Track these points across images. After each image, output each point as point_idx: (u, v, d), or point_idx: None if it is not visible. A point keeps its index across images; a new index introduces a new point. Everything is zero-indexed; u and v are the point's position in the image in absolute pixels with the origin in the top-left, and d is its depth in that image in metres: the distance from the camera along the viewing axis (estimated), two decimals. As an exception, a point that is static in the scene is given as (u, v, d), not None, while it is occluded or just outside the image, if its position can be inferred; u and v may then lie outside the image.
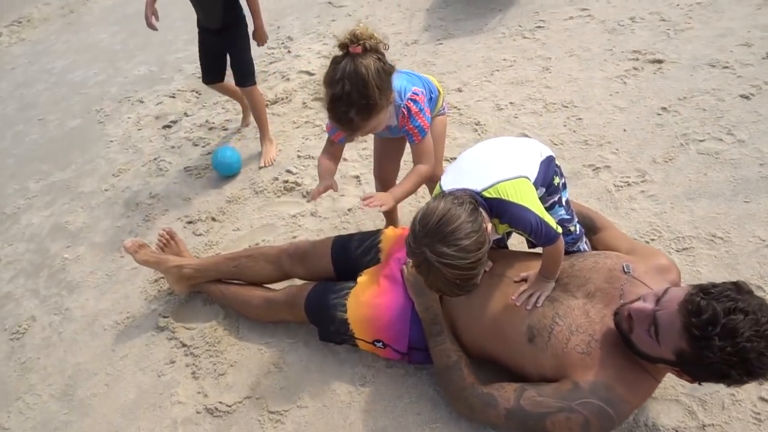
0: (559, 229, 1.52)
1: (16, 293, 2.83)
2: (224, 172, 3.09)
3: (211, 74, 3.16)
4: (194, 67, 4.60)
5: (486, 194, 1.48)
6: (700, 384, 1.36)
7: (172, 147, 3.61)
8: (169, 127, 3.86)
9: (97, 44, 5.99)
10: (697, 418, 1.54)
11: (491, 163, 1.59)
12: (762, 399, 1.54)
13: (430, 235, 1.37)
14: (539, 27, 3.57)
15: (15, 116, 4.91)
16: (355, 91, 1.56)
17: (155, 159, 3.53)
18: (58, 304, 2.67)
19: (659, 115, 2.60)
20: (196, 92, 4.25)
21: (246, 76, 3.02)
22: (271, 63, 4.22)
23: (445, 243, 1.36)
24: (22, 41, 7.04)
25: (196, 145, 3.54)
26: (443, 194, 1.47)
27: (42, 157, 4.05)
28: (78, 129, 4.30)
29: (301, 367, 2.00)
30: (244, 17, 2.95)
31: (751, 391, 1.56)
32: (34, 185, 3.73)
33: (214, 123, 3.70)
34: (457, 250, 1.35)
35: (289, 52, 4.31)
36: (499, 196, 1.48)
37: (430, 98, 1.93)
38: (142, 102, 4.35)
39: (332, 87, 1.58)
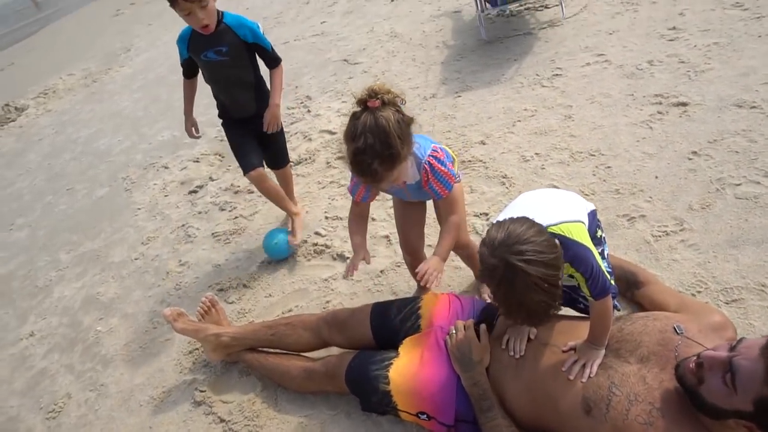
0: (613, 282, 1.48)
1: (51, 369, 2.82)
2: (275, 256, 2.92)
3: (255, 159, 2.79)
4: (216, 130, 4.70)
5: (550, 230, 1.46)
6: None
7: (199, 212, 3.64)
8: (195, 192, 3.92)
9: (120, 112, 6.19)
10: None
11: (550, 206, 1.60)
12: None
13: (506, 243, 1.36)
14: (557, 75, 3.60)
15: (44, 187, 5.04)
16: (378, 142, 1.59)
17: (183, 225, 3.56)
18: (93, 380, 2.65)
19: (690, 159, 2.57)
20: (219, 155, 4.33)
21: (285, 154, 3.02)
22: (292, 123, 4.30)
23: (525, 243, 1.35)
24: (48, 112, 7.30)
25: (222, 209, 3.58)
26: (508, 219, 1.46)
27: (72, 228, 4.12)
28: (105, 198, 4.38)
29: (344, 441, 1.94)
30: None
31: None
32: (64, 256, 3.77)
33: (239, 186, 3.74)
34: (538, 245, 1.35)
35: (308, 111, 4.39)
36: (563, 233, 1.45)
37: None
38: (167, 168, 4.43)
39: (354, 141, 1.61)
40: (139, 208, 4.00)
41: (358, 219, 2.01)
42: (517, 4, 4.55)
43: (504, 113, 3.41)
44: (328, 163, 3.63)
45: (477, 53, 4.26)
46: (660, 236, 2.26)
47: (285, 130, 4.21)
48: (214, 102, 2.94)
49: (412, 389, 1.76)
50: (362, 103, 1.64)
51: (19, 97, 8.11)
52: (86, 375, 2.70)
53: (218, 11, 2.50)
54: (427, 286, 1.76)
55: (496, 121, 3.37)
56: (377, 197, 2.12)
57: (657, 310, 1.74)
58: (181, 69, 2.73)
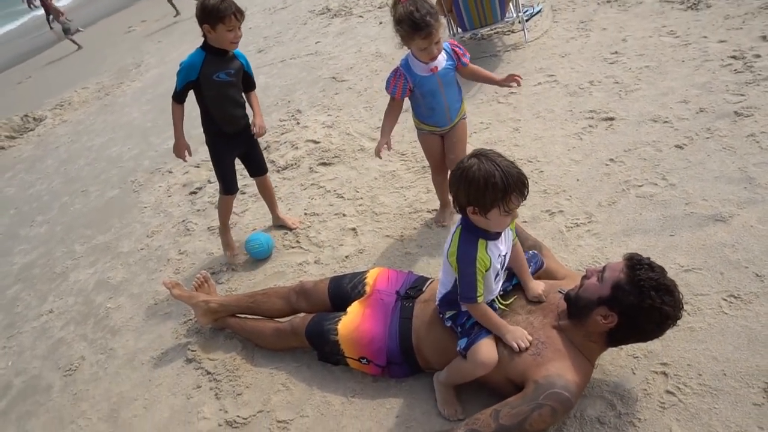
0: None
1: (68, 338, 3.32)
2: (257, 256, 3.30)
3: (236, 182, 3.27)
4: (217, 139, 5.23)
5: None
6: (621, 332, 1.80)
7: (198, 210, 4.15)
8: (194, 193, 4.43)
9: (130, 122, 6.75)
10: (615, 408, 1.90)
11: None
12: (668, 392, 1.90)
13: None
14: (512, 93, 4.11)
15: (61, 189, 5.58)
16: (424, 3, 2.40)
17: (183, 221, 4.07)
18: (103, 346, 3.14)
19: (607, 165, 3.05)
20: (219, 161, 4.84)
21: (264, 163, 3.39)
22: (282, 134, 4.82)
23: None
24: (64, 122, 7.90)
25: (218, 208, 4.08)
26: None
27: (86, 224, 4.64)
28: (116, 198, 4.91)
29: (305, 385, 2.41)
30: None
31: (659, 385, 1.93)
32: (79, 247, 4.29)
33: (233, 187, 4.25)
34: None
35: (297, 123, 4.91)
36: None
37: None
38: (171, 172, 4.96)
39: (406, 7, 2.40)
40: (145, 207, 4.51)
41: (393, 112, 2.75)
42: (487, 29, 5.09)
43: (463, 126, 3.91)
44: (310, 168, 4.13)
45: (448, 73, 4.77)
46: (572, 227, 2.74)
47: (276, 140, 4.75)
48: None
49: (355, 338, 2.24)
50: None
51: (36, 108, 8.73)
52: (97, 342, 3.19)
53: None
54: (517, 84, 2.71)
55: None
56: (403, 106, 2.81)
57: (550, 277, 2.21)
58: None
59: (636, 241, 2.53)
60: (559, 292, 2.02)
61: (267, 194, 3.49)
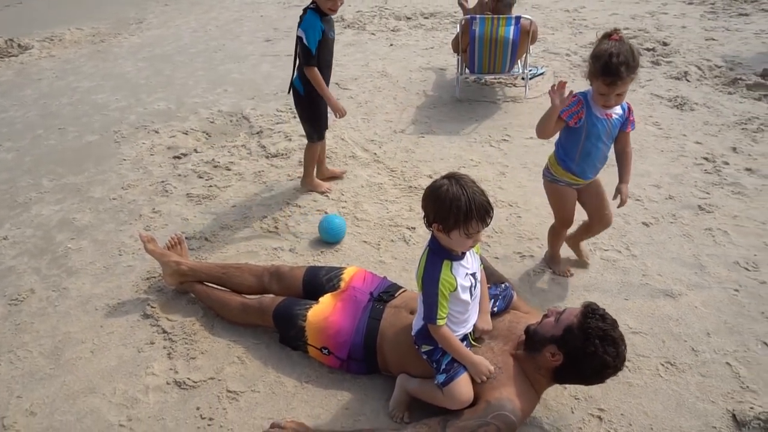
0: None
1: (19, 268, 3.24)
2: (330, 237, 3.26)
3: (325, 132, 3.67)
4: (209, 112, 5.26)
5: None
6: (565, 371, 1.96)
7: (179, 175, 4.15)
8: (178, 158, 4.43)
9: (122, 75, 6.65)
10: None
11: None
12: (592, 415, 2.07)
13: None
14: (505, 140, 4.34)
15: (36, 122, 5.43)
16: (628, 53, 2.27)
17: (162, 182, 4.06)
18: (57, 284, 3.08)
19: (579, 225, 3.27)
20: (207, 134, 4.86)
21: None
22: (277, 123, 4.89)
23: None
24: (51, 57, 7.68)
25: (200, 177, 4.10)
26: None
27: (58, 161, 4.54)
28: (95, 144, 4.83)
29: (260, 362, 2.46)
30: None
31: (593, 427, 2.09)
32: (47, 183, 4.19)
33: (219, 162, 4.28)
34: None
35: (294, 116, 4.98)
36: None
37: None
38: (157, 132, 4.93)
39: (605, 50, 2.28)
40: (124, 159, 4.47)
41: (551, 123, 2.48)
42: (492, 77, 5.36)
43: (454, 158, 4.10)
44: (300, 161, 4.20)
45: (448, 107, 5.00)
46: (539, 273, 2.93)
47: (270, 127, 4.82)
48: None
49: (322, 327, 2.32)
50: (608, 35, 2.34)
51: (24, 36, 8.44)
52: (51, 279, 3.13)
53: None
54: (624, 205, 2.63)
55: (447, 162, 4.05)
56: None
57: (518, 310, 2.37)
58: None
59: (594, 297, 2.73)
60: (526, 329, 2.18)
61: (321, 150, 3.76)
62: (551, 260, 2.96)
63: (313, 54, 3.19)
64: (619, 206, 2.66)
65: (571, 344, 1.91)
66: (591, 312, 1.94)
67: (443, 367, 1.99)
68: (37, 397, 2.37)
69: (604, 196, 2.75)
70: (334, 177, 3.91)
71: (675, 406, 2.16)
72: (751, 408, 2.12)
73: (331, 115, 3.53)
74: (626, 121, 2.54)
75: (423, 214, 1.90)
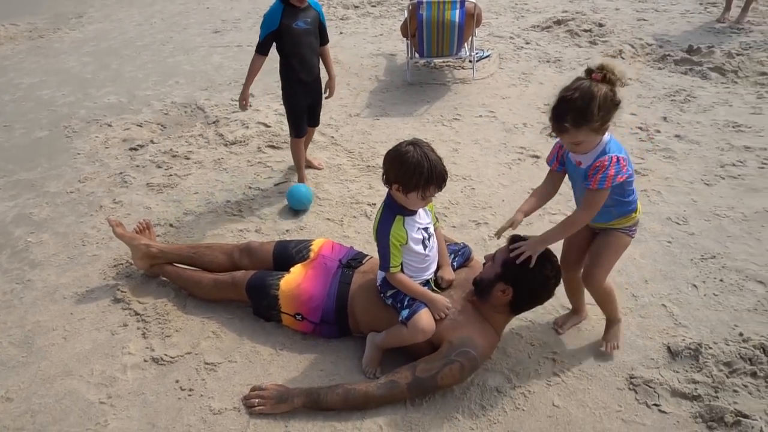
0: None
1: (-21, 264, 3.20)
2: (297, 205, 3.42)
3: (305, 125, 3.55)
4: (162, 104, 5.23)
5: None
6: (518, 300, 2.17)
7: (137, 166, 4.15)
8: (135, 149, 4.41)
9: (67, 70, 6.49)
10: (511, 381, 2.25)
11: None
12: (554, 374, 2.28)
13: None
14: (456, 119, 4.54)
15: (-21, 120, 5.26)
16: (581, 99, 1.81)
17: (120, 173, 4.05)
18: (20, 277, 3.07)
19: (528, 193, 3.48)
20: (162, 125, 4.85)
21: (319, 116, 3.72)
22: (233, 112, 4.92)
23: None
24: (-13, 54, 7.37)
25: (159, 167, 4.11)
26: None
27: (7, 158, 4.44)
28: (45, 140, 4.74)
29: (235, 335, 2.56)
30: None
31: (548, 368, 2.31)
32: (-1, 180, 4.11)
33: (177, 152, 4.29)
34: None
35: (250, 105, 5.02)
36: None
37: (633, 198, 2.09)
38: (110, 126, 4.88)
39: (564, 92, 1.87)
40: (78, 153, 4.42)
41: (542, 190, 2.27)
42: (441, 60, 5.54)
43: (409, 138, 4.25)
44: (259, 148, 4.28)
45: (400, 90, 5.16)
46: (493, 237, 3.12)
47: (225, 116, 4.85)
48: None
49: (295, 294, 2.45)
50: (589, 72, 1.86)
51: (-46, 33, 8.06)
52: (13, 272, 3.11)
53: None
54: (517, 260, 2.06)
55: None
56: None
57: (475, 267, 2.55)
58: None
59: (544, 257, 2.96)
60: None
61: (307, 139, 3.72)
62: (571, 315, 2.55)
63: (260, 41, 3.26)
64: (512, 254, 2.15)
65: (513, 274, 2.12)
66: (514, 241, 2.16)
67: (405, 303, 2.19)
68: (12, 384, 2.39)
69: (600, 251, 2.21)
70: (311, 167, 3.88)
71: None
72: (683, 340, 2.38)
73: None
74: (586, 175, 1.97)
75: (383, 171, 2.08)
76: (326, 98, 3.63)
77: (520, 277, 2.12)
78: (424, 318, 2.14)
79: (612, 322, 2.38)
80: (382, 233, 2.15)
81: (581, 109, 1.82)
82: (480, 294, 2.24)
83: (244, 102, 3.49)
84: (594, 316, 2.53)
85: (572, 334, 2.47)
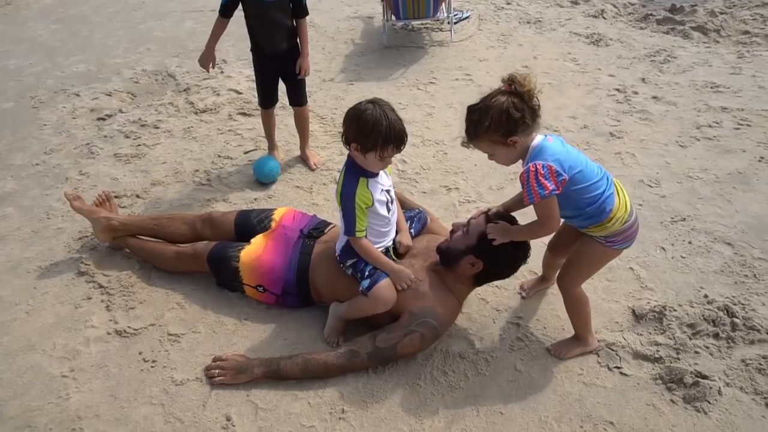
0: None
1: (-60, 239, 3.13)
2: (263, 179, 3.35)
3: (272, 98, 3.35)
4: (132, 72, 5.09)
5: None
6: (485, 274, 2.15)
7: (105, 136, 4.05)
8: (103, 119, 4.30)
9: (35, 38, 6.28)
10: (474, 347, 2.25)
11: None
12: (518, 338, 2.28)
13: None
14: (431, 83, 4.45)
15: (-57, 91, 5.10)
16: (478, 113, 1.80)
17: (87, 144, 3.95)
18: (-18, 250, 3.01)
19: (501, 157, 3.45)
20: (132, 94, 4.73)
21: (305, 95, 3.40)
22: (204, 79, 4.80)
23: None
24: (-48, 23, 7.12)
25: (127, 137, 4.01)
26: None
27: (-29, 130, 4.32)
28: (10, 111, 4.61)
29: (199, 306, 2.54)
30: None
31: (512, 333, 2.30)
32: (-38, 152, 4.00)
33: (146, 121, 4.19)
34: None
35: (222, 71, 4.91)
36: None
37: (599, 208, 1.87)
38: (78, 95, 4.74)
39: (475, 102, 1.86)
40: (45, 124, 4.30)
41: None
42: (419, 23, 5.40)
43: (383, 103, 4.17)
44: (230, 115, 4.19)
45: (376, 54, 5.04)
46: (463, 203, 3.10)
47: (197, 84, 4.73)
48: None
49: (255, 266, 2.41)
50: (503, 82, 1.81)
51: None
52: (-24, 247, 3.05)
53: None
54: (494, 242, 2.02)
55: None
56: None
57: (435, 233, 2.52)
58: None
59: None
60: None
61: (299, 125, 3.51)
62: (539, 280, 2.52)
63: (222, 2, 3.10)
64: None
65: (487, 249, 2.07)
66: (494, 217, 2.11)
67: (366, 273, 2.14)
68: (-26, 360, 2.37)
69: (572, 258, 2.12)
70: (306, 163, 3.54)
71: (583, 307, 2.40)
72: (648, 303, 2.38)
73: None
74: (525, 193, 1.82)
75: (342, 131, 2.03)
76: (298, 77, 3.28)
77: (492, 253, 2.07)
78: (385, 288, 2.11)
79: (577, 339, 2.18)
80: (346, 196, 2.08)
81: (476, 122, 1.80)
82: (446, 263, 2.20)
83: (205, 62, 3.25)
84: (560, 280, 2.52)
85: (538, 299, 2.46)
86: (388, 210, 2.18)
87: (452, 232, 2.23)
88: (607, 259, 2.09)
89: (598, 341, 2.22)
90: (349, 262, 2.21)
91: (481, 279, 2.22)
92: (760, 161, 3.27)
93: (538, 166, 1.77)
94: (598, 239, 1.98)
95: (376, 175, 2.12)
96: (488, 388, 2.10)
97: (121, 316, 2.52)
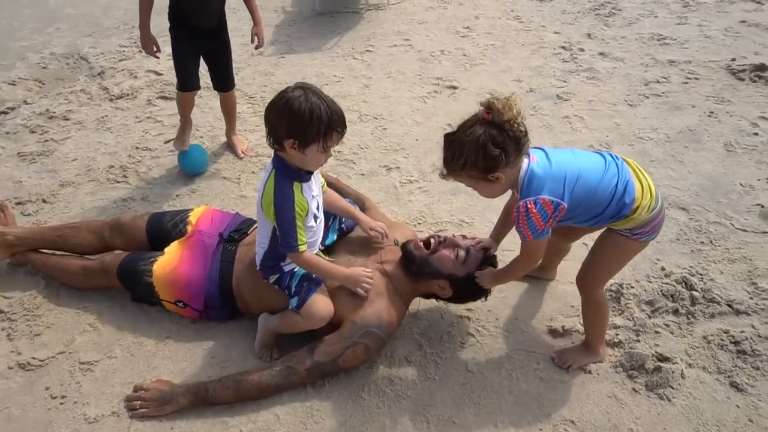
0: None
1: None
2: (190, 171, 3.06)
3: (196, 79, 2.91)
4: (39, 56, 4.58)
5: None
6: (444, 297, 2.02)
7: (7, 133, 3.61)
8: (4, 113, 3.84)
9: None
10: (422, 348, 2.05)
11: None
12: (469, 333, 2.10)
13: None
14: (368, 51, 4.14)
15: None
16: (450, 148, 1.62)
17: (-14, 143, 3.52)
18: None
19: (444, 129, 3.21)
20: (39, 81, 4.25)
21: (232, 77, 3.06)
22: (120, 60, 4.36)
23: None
24: None
25: (33, 132, 3.59)
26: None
27: None
28: None
29: (115, 326, 2.25)
30: None
31: (462, 328, 2.12)
32: None
33: (54, 113, 3.76)
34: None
35: (140, 51, 4.46)
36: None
37: (619, 204, 1.64)
38: (-26, 87, 4.23)
39: (451, 131, 1.66)
40: (-64, 123, 3.81)
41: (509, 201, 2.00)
42: (353, -15, 5.04)
43: (316, 77, 3.86)
44: (149, 100, 3.80)
45: (308, 22, 4.67)
46: (405, 183, 2.87)
47: (112, 66, 4.29)
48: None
49: (171, 281, 2.12)
50: (482, 106, 1.57)
51: None
52: None
53: None
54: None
55: (308, 82, 3.80)
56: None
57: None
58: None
59: (460, 200, 2.73)
60: (395, 242, 2.11)
61: (226, 110, 3.14)
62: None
63: None
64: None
65: (468, 288, 1.96)
66: (489, 261, 1.98)
67: (293, 290, 1.90)
68: None
69: (592, 258, 1.86)
70: (233, 150, 3.24)
71: (537, 293, 2.23)
72: (603, 282, 2.22)
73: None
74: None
75: (267, 130, 1.71)
76: (256, 48, 3.00)
77: (469, 292, 2.00)
78: (319, 303, 1.87)
79: (587, 348, 1.96)
80: (284, 207, 1.73)
81: (449, 159, 1.62)
82: (412, 272, 1.96)
83: (147, 46, 2.86)
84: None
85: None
86: (315, 218, 1.90)
87: (439, 242, 1.96)
88: (632, 254, 1.82)
89: (553, 330, 2.07)
90: (273, 279, 1.94)
91: (437, 298, 2.07)
92: (709, 116, 3.15)
93: (529, 205, 1.59)
94: (622, 232, 1.73)
95: (309, 179, 1.83)
96: (438, 393, 1.91)
97: (24, 345, 2.21)
